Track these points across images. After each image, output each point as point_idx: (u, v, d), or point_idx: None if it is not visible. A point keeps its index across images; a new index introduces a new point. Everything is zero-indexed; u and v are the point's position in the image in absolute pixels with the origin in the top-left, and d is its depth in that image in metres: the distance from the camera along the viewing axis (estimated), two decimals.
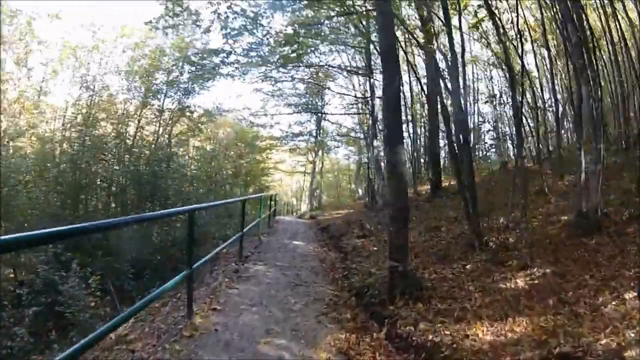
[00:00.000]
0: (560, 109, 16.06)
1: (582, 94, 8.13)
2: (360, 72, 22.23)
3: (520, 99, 10.44)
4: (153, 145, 24.59)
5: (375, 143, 18.40)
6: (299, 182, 47.38)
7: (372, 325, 5.45)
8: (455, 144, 9.52)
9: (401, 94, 17.45)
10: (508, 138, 21.17)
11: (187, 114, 28.89)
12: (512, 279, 6.27)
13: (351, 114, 26.11)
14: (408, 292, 5.90)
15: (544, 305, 5.26)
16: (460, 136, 8.94)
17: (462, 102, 9.52)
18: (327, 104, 31.76)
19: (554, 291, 5.60)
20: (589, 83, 7.99)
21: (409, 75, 20.88)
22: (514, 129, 17.51)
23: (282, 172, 43.67)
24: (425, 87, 17.77)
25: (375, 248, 10.00)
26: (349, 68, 23.13)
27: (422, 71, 19.75)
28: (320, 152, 36.17)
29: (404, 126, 20.86)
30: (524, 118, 14.08)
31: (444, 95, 13.20)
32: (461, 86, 9.58)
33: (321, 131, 34.80)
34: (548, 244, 7.38)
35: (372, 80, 19.46)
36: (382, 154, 19.93)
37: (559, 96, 15.73)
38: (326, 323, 5.43)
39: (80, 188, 18.46)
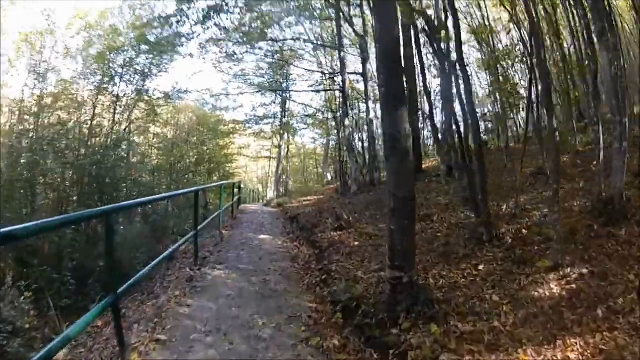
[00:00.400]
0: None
1: (602, 61, 6.85)
2: (329, 45, 20.50)
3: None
4: (108, 135, 22.67)
5: (347, 122, 16.79)
6: (264, 168, 45.98)
7: (372, 358, 3.99)
8: (454, 118, 8.05)
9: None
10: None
11: (145, 98, 27.10)
12: (544, 283, 4.89)
13: (319, 90, 24.27)
14: (416, 309, 4.41)
15: (592, 317, 4.01)
16: (466, 107, 7.37)
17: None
18: (293, 83, 29.92)
19: (599, 298, 4.35)
20: (609, 49, 6.63)
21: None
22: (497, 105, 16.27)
23: (246, 158, 42.29)
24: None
25: (356, 243, 8.49)
26: (316, 42, 21.34)
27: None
28: (286, 136, 34.52)
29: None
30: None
31: (426, 67, 11.80)
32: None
33: (287, 113, 33.16)
34: (570, 235, 5.96)
35: (342, 54, 17.81)
36: (355, 134, 18.50)
37: None
38: (307, 356, 4.00)
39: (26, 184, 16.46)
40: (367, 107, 17.15)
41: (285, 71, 28.17)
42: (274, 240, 10.09)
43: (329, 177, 31.45)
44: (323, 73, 22.70)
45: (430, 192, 11.92)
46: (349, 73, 18.11)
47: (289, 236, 10.79)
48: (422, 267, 6.07)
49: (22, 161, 16.74)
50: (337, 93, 20.08)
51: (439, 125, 14.05)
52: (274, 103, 33.93)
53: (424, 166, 15.09)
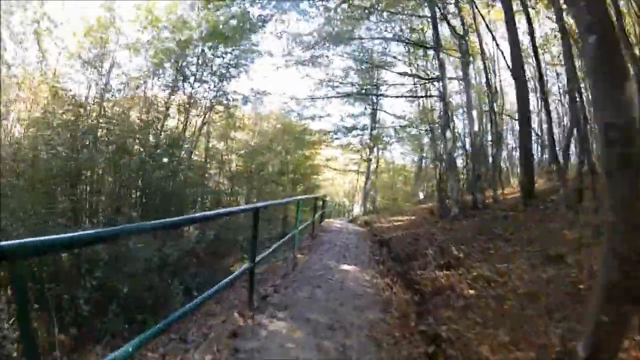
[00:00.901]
0: None
1: None
2: (424, 45, 18.11)
3: None
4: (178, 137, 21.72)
5: (448, 134, 14.39)
6: (351, 182, 44.02)
7: None
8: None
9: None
10: None
11: (223, 100, 26.10)
12: None
13: (415, 97, 21.76)
14: None
15: None
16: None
17: None
18: (384, 90, 27.74)
19: None
20: None
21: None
22: None
23: (333, 171, 40.59)
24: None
25: (472, 292, 6.23)
26: (410, 40, 18.98)
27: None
28: (375, 149, 32.40)
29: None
30: None
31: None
32: None
33: (377, 125, 31.10)
34: None
35: (440, 55, 15.42)
36: (456, 149, 16.09)
37: None
38: None
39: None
40: (470, 117, 14.65)
41: (375, 76, 26.12)
42: (359, 272, 7.97)
43: (421, 196, 28.86)
44: (419, 77, 20.25)
45: (548, 222, 9.39)
46: (449, 78, 15.76)
47: (378, 267, 8.61)
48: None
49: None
50: (435, 101, 17.76)
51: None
52: (364, 114, 32.23)
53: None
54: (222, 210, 9.36)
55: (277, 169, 33.27)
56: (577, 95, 10.39)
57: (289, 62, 21.48)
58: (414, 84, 21.77)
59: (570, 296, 5.57)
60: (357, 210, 34.54)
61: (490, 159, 15.70)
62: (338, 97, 27.56)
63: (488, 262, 7.42)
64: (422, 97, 20.94)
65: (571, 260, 6.81)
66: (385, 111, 29.65)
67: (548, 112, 12.96)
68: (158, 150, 16.49)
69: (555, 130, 14.71)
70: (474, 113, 15.33)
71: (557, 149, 12.21)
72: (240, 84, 51.04)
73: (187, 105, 22.94)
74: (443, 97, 14.72)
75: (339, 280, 7.11)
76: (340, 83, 26.13)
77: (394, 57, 23.00)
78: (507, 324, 4.99)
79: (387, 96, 27.31)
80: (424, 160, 31.21)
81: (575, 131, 10.45)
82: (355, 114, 32.12)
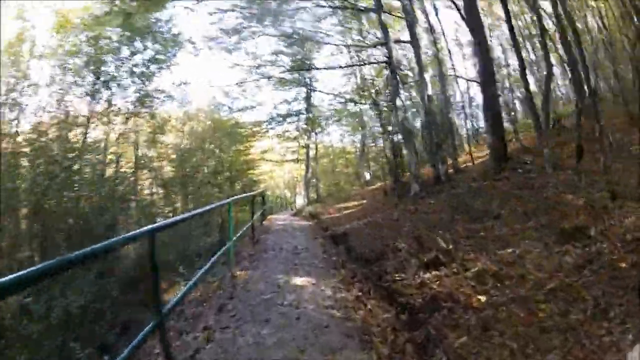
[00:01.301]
0: None
1: None
2: (365, 9, 16.08)
3: None
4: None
5: (399, 102, 12.53)
6: (291, 172, 42.18)
7: None
8: None
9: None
10: None
11: (148, 103, 24.02)
12: None
13: (359, 64, 19.58)
14: None
15: None
16: None
17: None
18: (317, 67, 25.80)
19: None
20: None
21: None
22: None
23: (271, 163, 38.64)
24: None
25: (482, 298, 4.47)
26: (349, 4, 16.87)
27: None
28: (313, 134, 30.54)
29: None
30: None
31: None
32: None
33: (312, 107, 29.26)
34: None
35: (382, 17, 13.56)
36: (410, 118, 14.36)
37: None
38: None
39: None
40: (423, 81, 12.83)
41: (308, 55, 24.09)
42: (317, 287, 5.99)
43: (367, 177, 27.16)
44: (358, 46, 18.13)
45: (542, 188, 7.84)
46: (395, 42, 13.93)
47: (339, 273, 6.68)
48: None
49: None
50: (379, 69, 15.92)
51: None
52: (297, 99, 30.36)
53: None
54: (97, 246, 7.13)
55: (212, 170, 31.37)
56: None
57: (212, 47, 19.03)
58: (355, 54, 19.82)
59: (617, 281, 3.93)
60: (300, 201, 32.71)
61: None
62: (267, 78, 25.32)
63: (485, 250, 5.67)
64: (363, 64, 18.84)
65: (594, 232, 5.20)
66: (320, 91, 27.59)
67: (520, 57, 11.47)
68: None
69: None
70: (427, 77, 13.57)
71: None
72: (164, 83, 47.95)
73: (109, 113, 21.06)
74: (389, 62, 12.82)
75: (293, 305, 5.13)
76: (271, 63, 23.88)
77: (327, 34, 20.99)
78: (556, 343, 3.25)
79: (324, 69, 25.17)
80: (367, 139, 29.56)
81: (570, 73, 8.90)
82: (289, 99, 30.18)
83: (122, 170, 24.82)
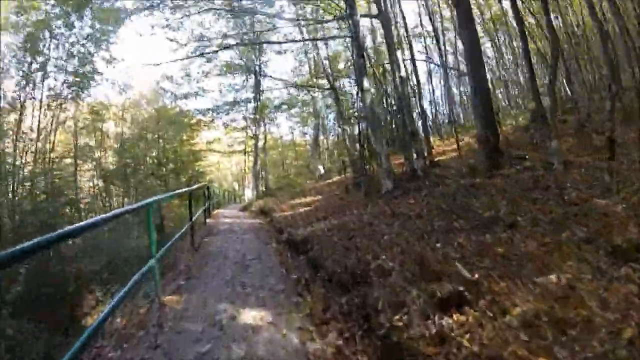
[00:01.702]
0: None
1: None
2: None
3: None
4: None
5: (366, 83, 10.67)
6: (239, 164, 40.24)
7: None
8: None
9: None
10: None
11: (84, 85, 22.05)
12: None
13: (320, 39, 17.45)
14: None
15: None
16: None
17: None
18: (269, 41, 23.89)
19: None
20: None
21: None
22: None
23: (217, 154, 36.66)
24: None
25: None
26: None
27: None
28: (262, 125, 28.58)
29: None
30: None
31: None
32: None
33: (261, 95, 27.36)
34: None
35: None
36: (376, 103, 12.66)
37: None
38: None
39: None
40: (395, 60, 11.07)
41: (258, 33, 22.04)
42: (277, 329, 4.16)
43: (322, 171, 25.36)
44: (318, 21, 16.05)
45: (562, 189, 6.38)
46: (362, 16, 12.12)
47: (306, 304, 4.88)
48: None
49: None
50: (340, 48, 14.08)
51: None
52: (244, 86, 28.47)
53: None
54: None
55: (155, 161, 29.27)
56: None
57: (154, 25, 16.71)
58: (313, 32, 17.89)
59: None
60: (249, 194, 30.76)
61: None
62: (208, 60, 23.23)
63: (518, 277, 3.97)
64: (324, 39, 16.79)
65: None
66: (271, 77, 25.62)
67: (523, 35, 9.93)
68: None
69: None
70: (399, 55, 11.79)
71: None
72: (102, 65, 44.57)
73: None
74: (355, 37, 10.92)
75: None
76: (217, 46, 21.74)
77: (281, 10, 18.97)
78: None
79: (276, 42, 23.18)
80: (320, 128, 27.84)
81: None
82: (237, 86, 28.21)
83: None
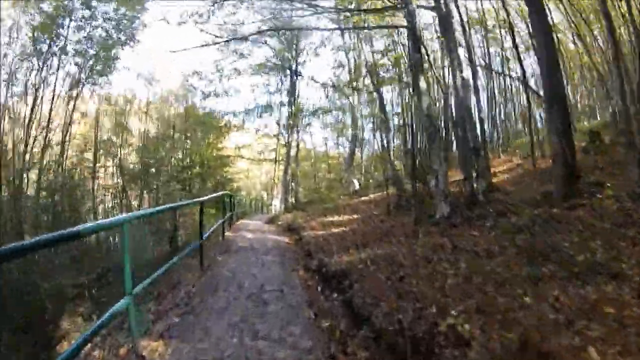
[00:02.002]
0: None
1: None
2: None
3: None
4: None
5: (422, 83, 8.91)
6: (269, 173, 39.07)
7: None
8: None
9: None
10: None
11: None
12: None
13: (372, 27, 15.52)
14: None
15: None
16: None
17: None
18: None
19: None
20: None
21: None
22: None
23: (247, 161, 35.42)
24: None
25: None
26: None
27: None
28: (295, 132, 27.15)
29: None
30: None
31: None
32: None
33: (296, 100, 26.03)
34: None
35: None
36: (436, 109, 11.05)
37: None
38: None
39: None
40: (456, 57, 9.33)
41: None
42: None
43: (356, 186, 23.75)
44: (365, 11, 14.11)
45: None
46: (419, 6, 10.54)
47: None
48: None
49: None
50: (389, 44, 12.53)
51: None
52: (279, 90, 27.16)
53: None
54: None
55: (181, 163, 28.20)
56: None
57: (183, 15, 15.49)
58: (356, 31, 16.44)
59: None
60: (276, 204, 29.48)
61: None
62: (244, 40, 22.02)
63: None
64: (371, 28, 14.90)
65: None
66: (309, 77, 24.25)
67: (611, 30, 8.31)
68: None
69: None
70: (461, 52, 10.06)
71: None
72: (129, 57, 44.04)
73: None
74: (411, 27, 9.35)
75: None
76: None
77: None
78: None
79: (316, 29, 21.84)
80: (357, 140, 26.23)
81: None
82: (271, 88, 26.97)
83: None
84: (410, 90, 10.36)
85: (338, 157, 33.82)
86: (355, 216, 13.33)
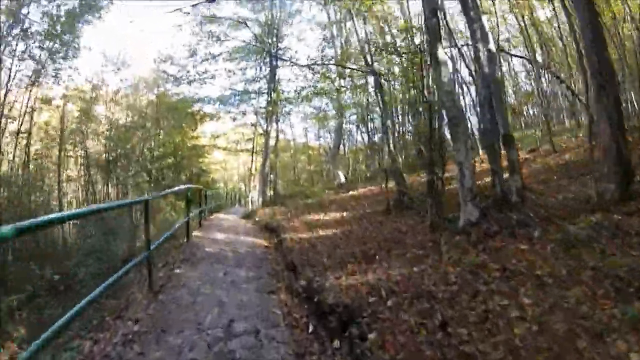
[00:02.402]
0: None
1: None
2: None
3: None
4: None
5: (442, 55, 6.97)
6: (246, 164, 37.51)
7: None
8: None
9: None
10: None
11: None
12: None
13: None
14: None
15: None
16: None
17: None
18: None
19: None
20: None
21: None
22: None
23: (223, 151, 33.79)
24: None
25: None
26: None
27: None
28: (275, 119, 25.25)
29: None
30: None
31: None
32: None
33: (277, 86, 24.15)
34: None
35: None
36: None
37: None
38: None
39: None
40: (481, 28, 7.36)
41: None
42: None
43: (342, 179, 21.88)
44: None
45: None
46: None
47: None
48: None
49: None
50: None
51: None
52: (258, 78, 25.31)
53: None
54: None
55: (151, 153, 26.20)
56: None
57: None
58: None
59: None
60: (254, 197, 27.65)
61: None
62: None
63: None
64: None
65: None
66: (290, 61, 22.24)
67: None
68: None
69: None
70: (484, 20, 8.07)
71: None
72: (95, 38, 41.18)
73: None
74: None
75: None
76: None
77: None
78: None
79: None
80: (341, 130, 24.44)
81: None
82: (250, 75, 25.17)
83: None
84: (427, 61, 8.57)
85: (319, 148, 32.17)
86: (344, 214, 11.56)
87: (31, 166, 21.32)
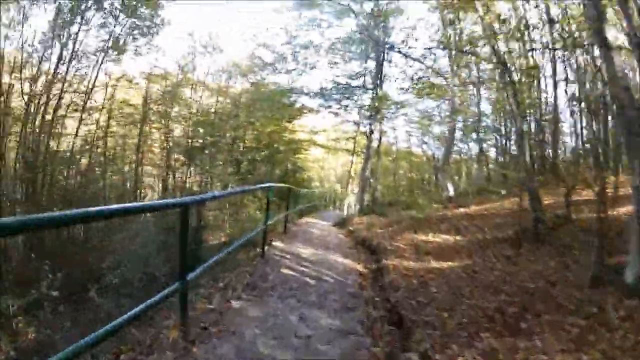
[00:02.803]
0: None
1: None
2: None
3: None
4: None
5: (610, 36, 5.01)
6: (345, 166, 36.43)
7: None
8: None
9: None
10: None
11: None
12: None
13: None
14: None
15: None
16: None
17: None
18: None
19: None
20: None
21: None
22: None
23: (322, 149, 32.82)
24: None
25: None
26: None
27: None
28: (380, 119, 23.44)
29: None
30: None
31: None
32: None
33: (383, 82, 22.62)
34: None
35: None
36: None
37: None
38: None
39: None
40: None
41: None
42: None
43: (451, 192, 19.64)
44: None
45: None
46: None
47: None
48: None
49: None
50: None
51: None
52: (363, 73, 23.71)
53: None
54: None
55: (243, 144, 27.29)
56: None
57: None
58: None
59: None
60: (351, 202, 26.34)
61: None
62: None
63: None
64: None
65: None
66: (400, 51, 20.34)
67: None
68: None
69: None
70: None
71: None
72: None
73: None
74: None
75: None
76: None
77: None
78: None
79: None
80: (456, 136, 22.14)
81: None
82: (353, 71, 23.74)
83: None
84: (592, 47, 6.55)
85: (422, 155, 30.12)
86: (457, 238, 9.64)
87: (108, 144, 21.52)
